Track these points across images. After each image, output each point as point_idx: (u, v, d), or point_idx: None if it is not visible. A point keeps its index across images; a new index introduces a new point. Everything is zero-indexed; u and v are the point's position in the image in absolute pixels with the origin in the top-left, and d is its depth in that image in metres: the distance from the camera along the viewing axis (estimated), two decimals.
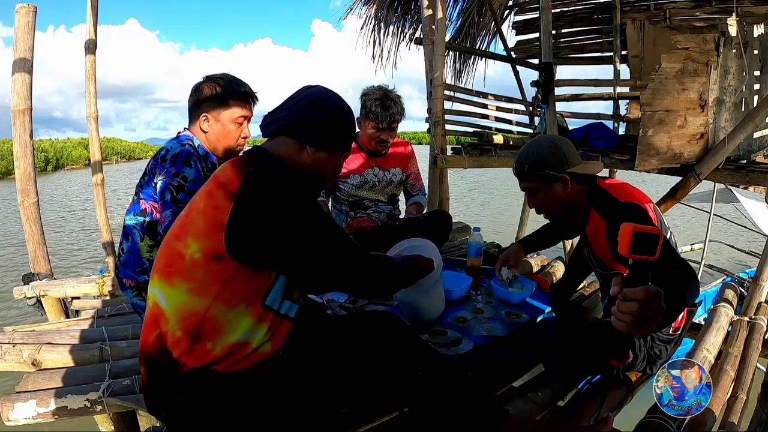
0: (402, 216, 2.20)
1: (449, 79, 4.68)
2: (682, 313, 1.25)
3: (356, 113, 2.06)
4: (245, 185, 0.81)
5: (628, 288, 0.70)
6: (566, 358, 1.25)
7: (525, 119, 3.85)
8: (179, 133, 1.43)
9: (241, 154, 1.21)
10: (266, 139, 1.00)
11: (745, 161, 2.35)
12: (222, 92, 1.38)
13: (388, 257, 1.11)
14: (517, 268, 1.65)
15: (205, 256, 0.82)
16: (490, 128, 3.47)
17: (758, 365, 1.57)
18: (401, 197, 2.32)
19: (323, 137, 0.95)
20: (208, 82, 1.39)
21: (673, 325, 1.27)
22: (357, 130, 2.12)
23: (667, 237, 1.21)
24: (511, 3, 4.57)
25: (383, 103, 1.94)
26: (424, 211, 2.28)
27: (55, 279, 2.27)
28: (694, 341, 1.58)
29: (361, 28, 4.43)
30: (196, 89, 1.41)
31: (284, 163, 0.92)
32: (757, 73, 2.41)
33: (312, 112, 0.94)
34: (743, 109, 2.35)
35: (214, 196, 0.83)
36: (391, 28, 4.51)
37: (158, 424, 1.16)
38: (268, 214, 0.80)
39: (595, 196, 1.25)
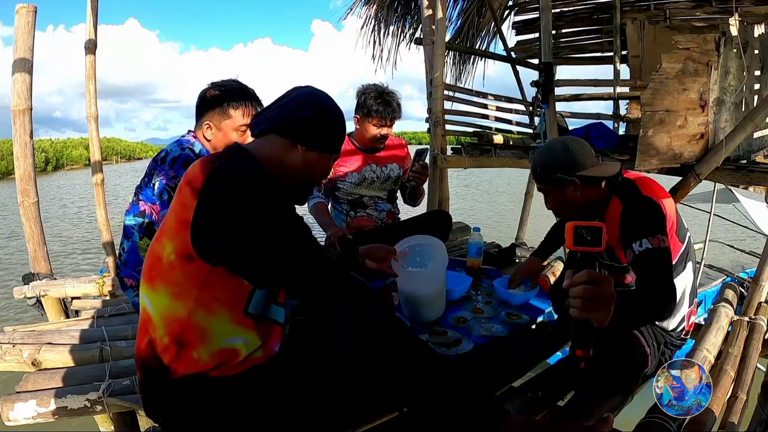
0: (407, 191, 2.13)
1: (449, 79, 4.68)
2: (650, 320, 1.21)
3: (350, 112, 2.07)
4: (207, 180, 0.79)
5: (575, 275, 0.77)
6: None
7: (525, 119, 3.85)
8: (182, 136, 1.44)
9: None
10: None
11: (745, 161, 2.35)
12: (222, 100, 1.38)
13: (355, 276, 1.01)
14: (538, 279, 1.68)
15: (178, 256, 0.80)
16: (490, 128, 3.48)
17: (758, 365, 1.57)
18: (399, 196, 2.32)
19: (316, 136, 0.94)
20: (212, 89, 1.39)
21: (685, 328, 1.27)
22: (351, 129, 2.13)
23: (685, 240, 1.22)
24: (511, 3, 4.57)
25: (384, 100, 1.96)
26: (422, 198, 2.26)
27: (55, 279, 2.27)
28: (694, 341, 1.57)
29: (361, 28, 4.43)
30: (201, 95, 1.41)
31: (254, 160, 0.87)
32: (757, 73, 2.40)
33: (305, 110, 0.93)
34: (743, 109, 2.35)
35: (182, 194, 0.82)
36: (391, 28, 4.51)
37: (158, 425, 1.16)
38: (225, 210, 0.78)
39: (619, 186, 1.25)
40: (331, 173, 2.09)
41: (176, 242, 0.81)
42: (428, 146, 2.14)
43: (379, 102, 1.96)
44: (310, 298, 0.90)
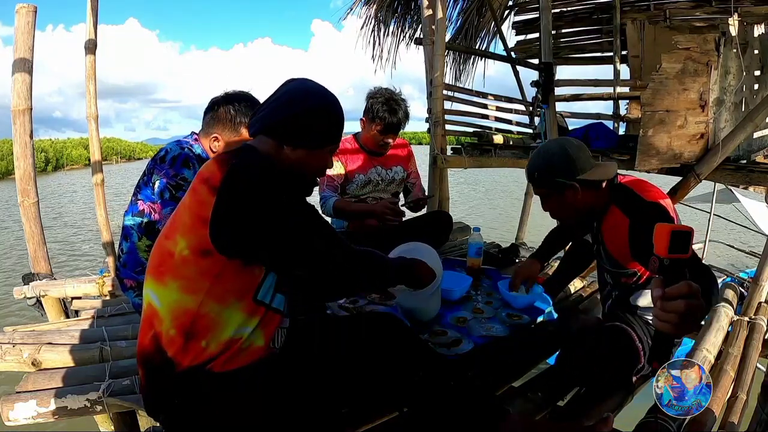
0: (409, 199, 2.18)
1: (449, 79, 4.68)
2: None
3: (359, 113, 2.07)
4: (226, 178, 0.81)
5: (670, 287, 0.69)
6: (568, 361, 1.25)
7: (525, 119, 3.85)
8: (184, 137, 1.44)
9: None
10: None
11: (745, 161, 2.35)
12: (235, 118, 1.39)
13: (377, 254, 1.06)
14: (536, 282, 1.65)
15: (193, 252, 0.82)
16: (490, 128, 3.48)
17: (758, 365, 1.57)
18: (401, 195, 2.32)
19: (298, 136, 0.93)
20: (225, 104, 1.39)
21: None
22: (359, 130, 2.12)
23: None
24: (511, 3, 4.57)
25: (390, 108, 1.94)
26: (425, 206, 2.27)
27: (55, 279, 2.27)
28: (694, 341, 1.57)
29: (361, 28, 4.43)
30: (213, 105, 1.41)
31: (266, 157, 0.91)
32: (757, 73, 2.40)
33: (286, 111, 0.92)
34: (743, 109, 2.34)
35: (198, 192, 0.83)
36: (391, 28, 4.51)
37: (158, 425, 1.16)
38: (247, 206, 0.80)
39: (616, 193, 1.24)
40: (343, 170, 2.08)
41: (191, 238, 0.82)
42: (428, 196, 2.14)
43: (385, 109, 1.94)
44: (334, 284, 0.93)
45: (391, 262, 1.10)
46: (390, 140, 2.05)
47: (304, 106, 0.93)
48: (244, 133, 1.39)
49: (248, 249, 0.83)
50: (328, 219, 2.12)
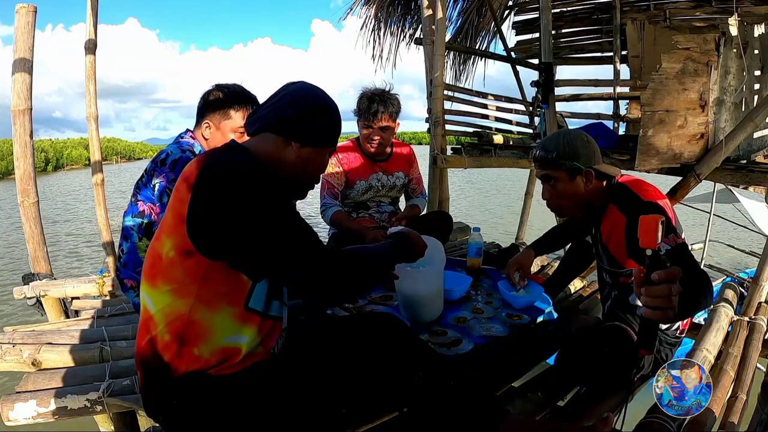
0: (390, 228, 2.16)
1: (449, 79, 4.68)
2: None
3: (350, 112, 2.07)
4: (200, 175, 0.80)
5: (657, 272, 0.72)
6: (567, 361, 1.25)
7: (525, 119, 3.86)
8: (181, 136, 1.44)
9: None
10: None
11: (745, 161, 2.35)
12: (225, 101, 1.40)
13: (362, 248, 1.01)
14: (529, 273, 1.63)
15: (177, 252, 0.81)
16: (490, 128, 3.48)
17: (758, 365, 1.57)
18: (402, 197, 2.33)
19: (309, 132, 0.93)
20: (215, 90, 1.42)
21: (680, 326, 1.27)
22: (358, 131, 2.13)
23: (683, 238, 1.21)
24: (511, 3, 4.58)
25: (370, 98, 1.94)
26: (422, 213, 2.27)
27: (55, 279, 2.27)
28: (694, 341, 1.58)
29: (361, 28, 4.44)
30: (205, 95, 1.43)
31: (250, 156, 0.88)
32: (757, 73, 2.40)
33: (297, 107, 0.92)
34: (743, 109, 2.34)
35: (179, 190, 0.82)
36: (391, 28, 4.52)
37: (158, 425, 1.16)
38: (219, 204, 0.78)
39: (614, 192, 1.25)
40: (344, 176, 2.07)
41: (175, 238, 0.81)
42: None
43: (365, 100, 1.94)
44: (311, 290, 0.87)
45: (381, 247, 1.05)
46: (375, 137, 2.01)
47: (315, 105, 0.94)
48: (233, 115, 1.40)
49: (222, 249, 0.80)
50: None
